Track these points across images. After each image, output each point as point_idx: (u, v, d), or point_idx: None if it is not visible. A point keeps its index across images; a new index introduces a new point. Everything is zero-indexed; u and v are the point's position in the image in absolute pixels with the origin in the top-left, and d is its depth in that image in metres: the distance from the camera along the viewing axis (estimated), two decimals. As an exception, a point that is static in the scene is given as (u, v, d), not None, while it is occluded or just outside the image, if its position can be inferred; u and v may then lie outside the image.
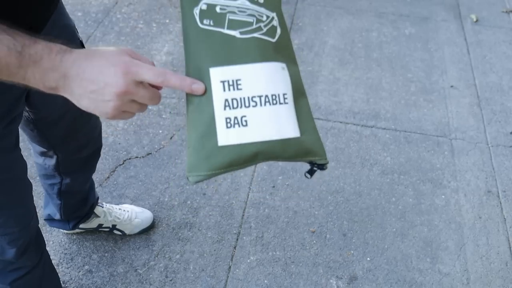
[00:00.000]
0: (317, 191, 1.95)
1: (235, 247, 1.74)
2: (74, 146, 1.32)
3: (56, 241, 1.70)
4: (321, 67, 2.55)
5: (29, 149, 1.53)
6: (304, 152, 0.68)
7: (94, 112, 0.66)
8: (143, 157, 2.01)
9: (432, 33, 2.87)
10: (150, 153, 2.03)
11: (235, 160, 0.64)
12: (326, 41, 2.72)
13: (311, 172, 0.72)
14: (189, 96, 0.67)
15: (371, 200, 1.94)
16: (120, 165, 1.96)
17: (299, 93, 0.70)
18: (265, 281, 1.66)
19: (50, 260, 1.35)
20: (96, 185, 1.86)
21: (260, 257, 1.72)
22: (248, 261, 1.71)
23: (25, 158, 1.08)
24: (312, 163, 0.70)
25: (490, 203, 1.97)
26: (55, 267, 1.62)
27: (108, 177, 1.91)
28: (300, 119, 0.68)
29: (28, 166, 1.80)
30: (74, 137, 1.28)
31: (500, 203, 1.98)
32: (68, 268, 1.64)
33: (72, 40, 1.07)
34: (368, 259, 1.75)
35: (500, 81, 2.57)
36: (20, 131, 1.08)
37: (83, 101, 0.64)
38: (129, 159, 1.99)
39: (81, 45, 1.12)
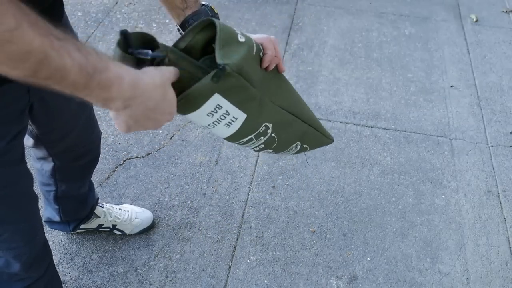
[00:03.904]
0: (317, 191, 1.95)
1: (235, 247, 1.74)
2: (73, 156, 1.33)
3: (56, 241, 1.70)
4: (321, 67, 2.55)
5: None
6: None
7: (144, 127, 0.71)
8: (143, 157, 2.01)
9: (432, 33, 2.86)
10: (150, 153, 2.02)
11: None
12: (326, 41, 2.72)
13: None
14: None
15: (371, 200, 1.94)
16: (120, 165, 1.96)
17: None
18: (265, 281, 1.66)
19: (54, 265, 1.35)
20: (96, 185, 1.86)
21: (260, 257, 1.72)
22: (248, 261, 1.71)
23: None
24: None
25: (490, 203, 1.97)
26: (55, 267, 1.62)
27: (108, 177, 1.91)
28: None
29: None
30: (74, 149, 1.29)
31: (500, 203, 1.98)
32: (68, 268, 1.64)
33: None
34: (368, 259, 1.75)
35: (500, 81, 2.57)
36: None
37: (140, 120, 0.69)
38: (129, 159, 1.99)
39: None
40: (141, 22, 2.70)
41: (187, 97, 0.74)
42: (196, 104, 0.76)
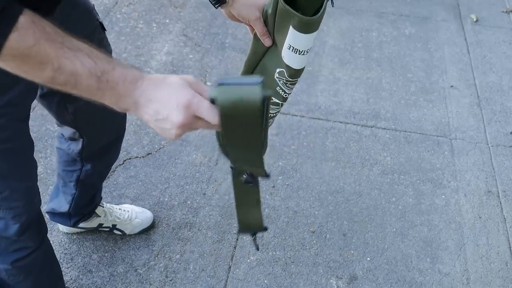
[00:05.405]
0: (317, 191, 1.95)
1: (235, 247, 1.74)
2: (99, 130, 1.36)
3: (56, 241, 1.70)
4: (321, 67, 2.55)
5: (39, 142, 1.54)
6: None
7: (160, 135, 0.75)
8: (143, 157, 2.01)
9: (432, 33, 2.87)
10: (150, 153, 2.03)
11: None
12: (326, 41, 2.72)
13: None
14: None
15: (371, 200, 1.94)
16: (120, 165, 1.96)
17: None
18: (265, 281, 1.66)
19: (53, 251, 1.37)
20: (96, 185, 1.86)
21: (260, 257, 1.72)
22: (248, 261, 1.71)
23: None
24: None
25: (490, 203, 1.97)
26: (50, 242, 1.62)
27: (108, 177, 1.91)
28: None
29: (46, 161, 1.80)
30: (98, 118, 1.31)
31: (500, 203, 1.98)
32: (68, 268, 1.64)
33: (88, 20, 1.11)
34: (368, 259, 1.76)
35: (500, 81, 2.57)
36: (50, 116, 1.18)
37: (150, 125, 0.73)
38: (129, 159, 1.99)
39: (101, 27, 1.16)
40: (141, 22, 2.70)
41: (321, 16, 0.85)
42: (318, 26, 0.88)
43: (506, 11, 3.11)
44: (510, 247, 1.83)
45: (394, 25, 2.91)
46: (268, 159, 2.04)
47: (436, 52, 2.72)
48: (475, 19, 3.00)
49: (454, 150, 2.17)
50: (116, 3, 2.82)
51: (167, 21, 2.73)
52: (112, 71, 0.67)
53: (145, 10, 2.79)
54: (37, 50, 0.63)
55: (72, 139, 1.37)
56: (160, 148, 2.04)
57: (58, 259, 1.65)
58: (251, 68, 1.02)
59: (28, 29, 0.62)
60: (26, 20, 0.62)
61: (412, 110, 2.35)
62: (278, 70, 0.97)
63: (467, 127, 2.29)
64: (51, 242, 1.69)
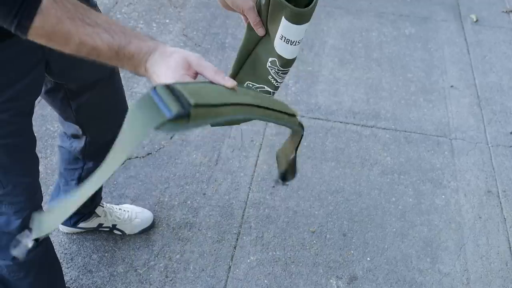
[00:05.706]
0: (317, 191, 1.95)
1: (235, 247, 1.74)
2: (101, 127, 1.36)
3: (56, 241, 1.70)
4: (321, 67, 2.55)
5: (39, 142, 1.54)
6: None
7: None
8: (143, 157, 2.01)
9: (432, 33, 2.87)
10: (150, 153, 2.03)
11: None
12: (326, 41, 2.72)
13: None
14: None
15: (371, 200, 1.94)
16: (120, 165, 1.96)
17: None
18: (265, 281, 1.66)
19: (53, 249, 1.38)
20: (96, 185, 1.86)
21: (260, 257, 1.72)
22: (248, 261, 1.71)
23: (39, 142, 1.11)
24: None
25: (490, 203, 1.97)
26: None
27: (108, 177, 1.91)
28: None
29: (46, 161, 1.80)
30: (101, 116, 1.32)
31: (500, 203, 1.98)
32: (68, 268, 1.64)
33: None
34: (368, 259, 1.76)
35: (500, 81, 2.57)
36: (50, 116, 1.12)
37: None
38: (129, 159, 1.99)
39: None
40: (141, 22, 2.70)
41: (312, 8, 0.88)
42: (309, 17, 0.90)
43: (506, 11, 3.11)
44: (510, 247, 1.83)
45: (394, 25, 2.91)
46: (268, 159, 2.04)
47: (436, 52, 2.72)
48: (475, 19, 3.00)
49: (454, 150, 2.17)
50: (116, 3, 2.82)
51: (167, 21, 2.73)
52: (128, 45, 0.74)
53: (145, 10, 2.79)
54: (60, 28, 0.69)
55: (74, 136, 1.38)
56: (160, 148, 2.05)
57: (58, 259, 1.65)
58: (244, 57, 1.03)
59: (51, 9, 0.68)
60: (49, 0, 0.67)
61: (412, 110, 2.35)
62: (270, 59, 0.99)
63: (467, 127, 2.29)
64: (51, 242, 1.69)
